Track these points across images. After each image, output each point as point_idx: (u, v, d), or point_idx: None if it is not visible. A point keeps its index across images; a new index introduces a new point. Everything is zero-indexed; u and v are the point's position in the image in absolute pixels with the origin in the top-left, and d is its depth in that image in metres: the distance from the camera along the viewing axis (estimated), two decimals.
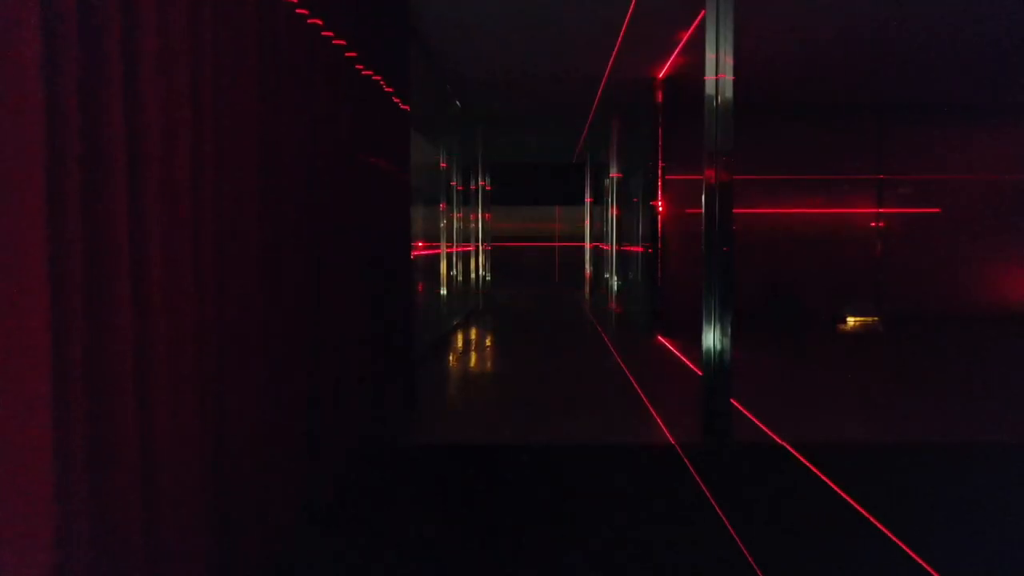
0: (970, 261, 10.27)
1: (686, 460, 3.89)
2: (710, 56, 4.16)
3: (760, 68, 8.05)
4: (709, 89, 4.17)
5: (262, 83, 2.42)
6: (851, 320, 10.34)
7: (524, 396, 5.54)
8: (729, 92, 4.15)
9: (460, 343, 8.51)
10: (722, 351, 4.04)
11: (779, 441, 4.16)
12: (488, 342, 8.66)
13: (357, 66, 3.72)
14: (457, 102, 10.28)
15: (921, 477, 3.71)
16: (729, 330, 4.05)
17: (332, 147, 3.31)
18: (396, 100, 4.77)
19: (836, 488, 3.48)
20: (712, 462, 3.90)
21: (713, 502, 3.28)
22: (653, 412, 4.90)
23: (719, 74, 4.16)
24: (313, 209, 2.98)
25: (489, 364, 7.05)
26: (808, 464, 3.82)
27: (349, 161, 3.65)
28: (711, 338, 4.09)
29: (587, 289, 16.07)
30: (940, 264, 10.31)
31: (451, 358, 7.40)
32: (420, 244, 9.99)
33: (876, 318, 10.38)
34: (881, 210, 10.34)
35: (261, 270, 2.40)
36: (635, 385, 5.81)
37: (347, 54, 3.52)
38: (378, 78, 4.16)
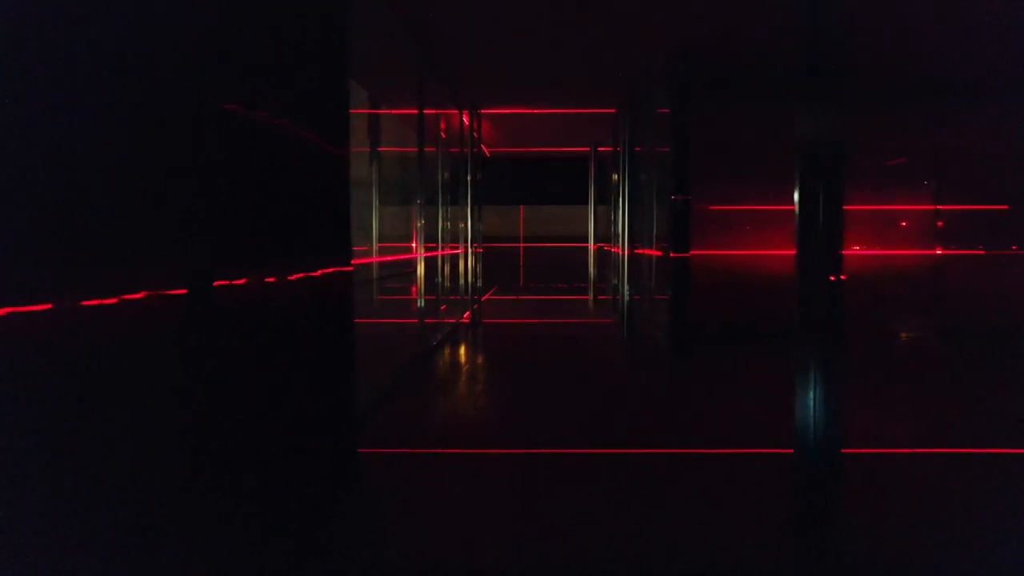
0: None
1: None
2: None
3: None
4: (811, 47, 2.64)
5: None
6: (903, 336, 8.80)
7: (506, 478, 3.98)
8: (833, 51, 2.64)
9: (436, 370, 6.97)
10: (831, 446, 2.49)
11: None
12: (467, 372, 7.12)
13: None
14: (444, 87, 8.75)
15: None
16: (840, 405, 2.51)
17: (187, 96, 1.78)
18: (322, 36, 3.23)
19: None
20: None
21: None
22: (708, 523, 3.35)
23: (821, 26, 2.64)
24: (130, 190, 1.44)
25: (466, 404, 5.50)
26: None
27: (228, 124, 2.12)
28: (814, 421, 2.54)
29: (591, 295, 14.51)
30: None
31: (419, 395, 5.86)
32: (416, 246, 8.47)
33: (931, 333, 8.84)
34: (940, 207, 8.79)
35: None
36: (674, 462, 4.27)
37: None
38: None
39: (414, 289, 11.04)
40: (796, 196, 2.61)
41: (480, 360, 7.49)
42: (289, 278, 2.65)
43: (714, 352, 7.54)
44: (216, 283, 2.16)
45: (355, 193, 9.58)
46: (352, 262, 3.54)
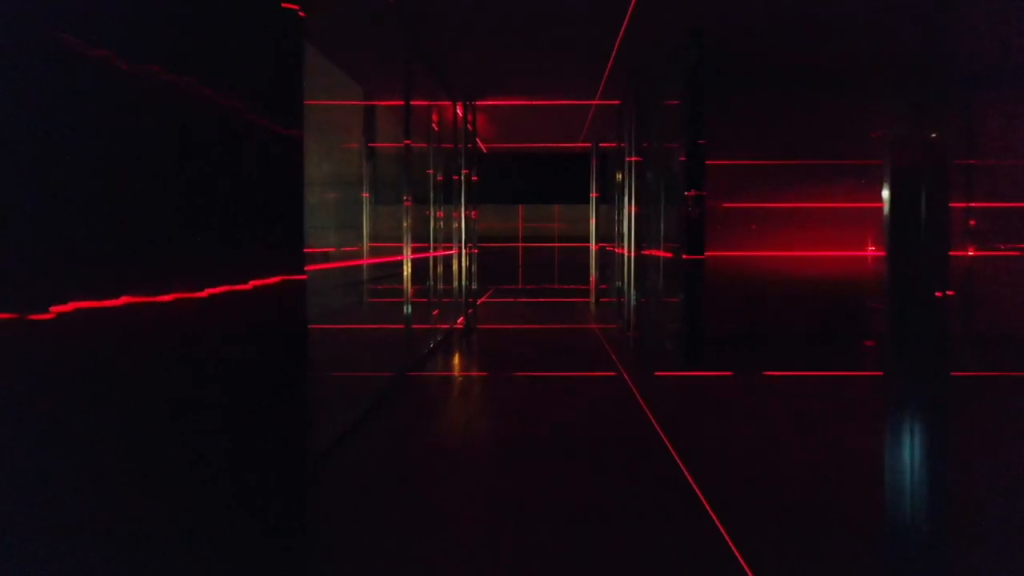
0: None
1: None
2: None
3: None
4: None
5: None
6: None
7: (501, 547, 3.31)
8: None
9: (422, 388, 6.31)
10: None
11: None
12: (459, 387, 6.46)
13: None
14: (435, 75, 8.07)
15: None
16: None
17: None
18: None
19: None
20: None
21: None
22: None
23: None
24: None
25: (453, 434, 4.83)
26: None
27: (92, 77, 1.45)
28: (912, 479, 1.87)
29: (593, 298, 13.84)
30: None
31: (399, 421, 5.19)
32: (404, 247, 7.90)
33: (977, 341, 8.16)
34: (972, 204, 8.11)
35: None
36: (708, 512, 3.59)
37: None
38: None
39: (411, 290, 10.37)
40: (885, 194, 1.95)
41: (474, 372, 6.82)
42: (199, 294, 1.97)
43: (731, 362, 6.88)
44: (66, 306, 1.48)
45: (347, 191, 8.90)
46: (306, 269, 2.86)
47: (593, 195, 13.97)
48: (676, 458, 3.92)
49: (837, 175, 8.26)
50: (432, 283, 10.11)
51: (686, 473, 3.67)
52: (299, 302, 2.81)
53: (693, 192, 6.36)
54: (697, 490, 3.43)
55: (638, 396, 5.48)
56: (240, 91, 2.33)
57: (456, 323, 9.84)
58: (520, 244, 17.42)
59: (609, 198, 13.05)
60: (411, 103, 6.59)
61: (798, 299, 8.18)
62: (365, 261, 8.42)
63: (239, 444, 2.27)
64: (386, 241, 9.94)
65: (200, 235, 2.02)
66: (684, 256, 6.46)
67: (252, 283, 2.28)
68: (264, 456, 2.45)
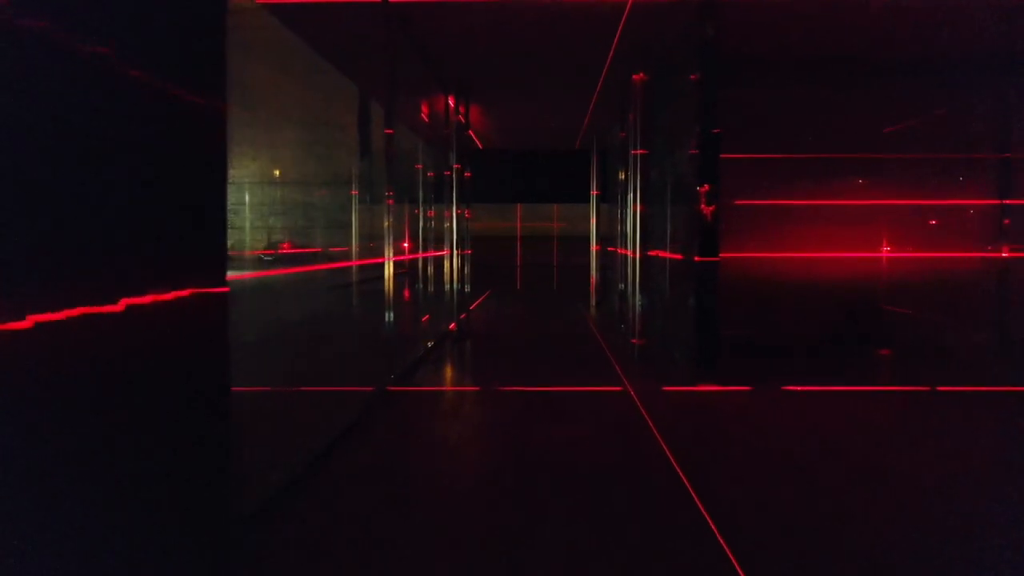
0: None
1: None
2: None
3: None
4: None
5: None
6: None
7: None
8: None
9: (400, 410, 5.67)
10: None
11: None
12: (447, 406, 5.83)
13: None
14: (426, 66, 7.42)
15: None
16: None
17: None
18: None
19: None
20: None
21: None
22: None
23: None
24: None
25: (435, 463, 4.19)
26: None
27: None
28: None
29: (593, 301, 13.18)
30: None
31: (370, 453, 4.56)
32: (386, 249, 7.28)
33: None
34: (1007, 202, 7.46)
35: None
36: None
37: None
38: None
39: (407, 292, 9.71)
40: None
41: (463, 387, 6.17)
42: (15, 325, 1.33)
43: (746, 375, 6.23)
44: None
45: (337, 189, 8.25)
46: (227, 279, 2.22)
47: (594, 193, 13.32)
48: (703, 510, 3.27)
49: (853, 171, 7.63)
50: (422, 286, 9.48)
51: (715, 531, 3.03)
52: (219, 318, 2.16)
53: (707, 187, 5.72)
54: (729, 553, 2.79)
55: (648, 419, 4.84)
56: (128, 43, 1.68)
57: (448, 329, 9.19)
58: (518, 245, 16.79)
59: (611, 197, 12.41)
60: (397, 91, 5.95)
61: (813, 303, 7.57)
62: (346, 263, 7.79)
63: (121, 518, 1.63)
64: (378, 241, 9.30)
65: (35, 237, 1.37)
66: (696, 258, 5.81)
67: (123, 302, 1.63)
68: (160, 533, 1.80)
